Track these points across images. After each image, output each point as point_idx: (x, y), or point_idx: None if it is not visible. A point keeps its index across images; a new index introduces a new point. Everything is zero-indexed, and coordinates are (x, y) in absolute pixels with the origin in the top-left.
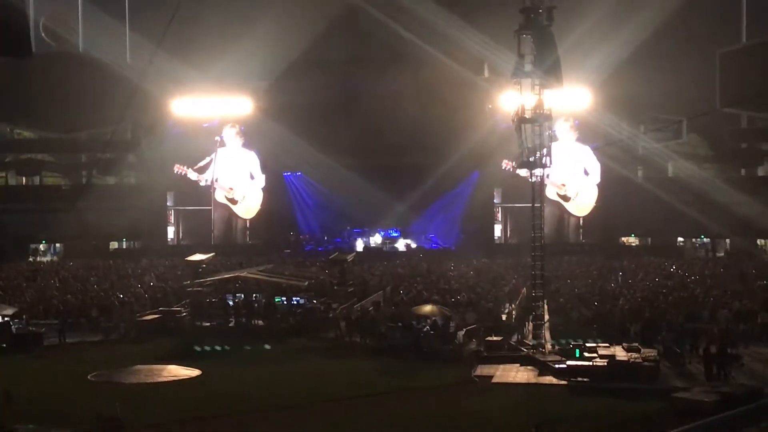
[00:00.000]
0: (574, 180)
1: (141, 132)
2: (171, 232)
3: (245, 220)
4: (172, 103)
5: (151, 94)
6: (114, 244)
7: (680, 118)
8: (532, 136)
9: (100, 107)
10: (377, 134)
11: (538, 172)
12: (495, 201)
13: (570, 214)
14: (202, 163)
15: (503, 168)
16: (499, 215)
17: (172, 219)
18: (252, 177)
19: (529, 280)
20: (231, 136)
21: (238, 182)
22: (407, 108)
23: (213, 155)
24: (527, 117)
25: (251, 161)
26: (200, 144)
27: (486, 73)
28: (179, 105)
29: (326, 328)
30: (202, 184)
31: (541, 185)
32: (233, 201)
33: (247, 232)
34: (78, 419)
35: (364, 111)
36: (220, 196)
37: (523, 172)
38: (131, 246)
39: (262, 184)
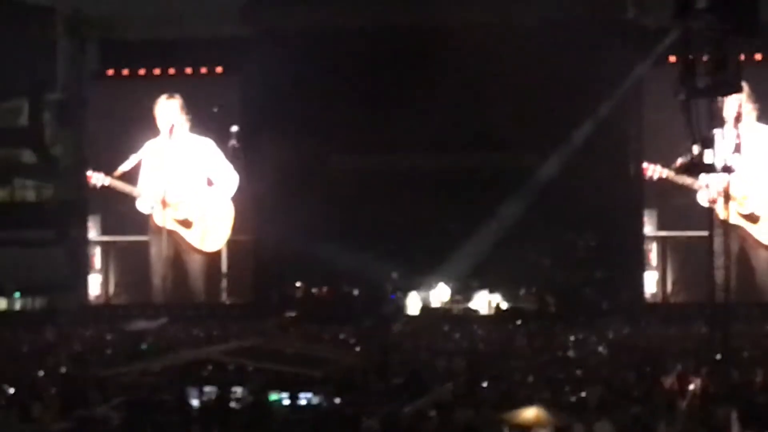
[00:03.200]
0: (760, 187)
1: (46, 112)
2: (96, 282)
3: (206, 256)
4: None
5: (61, 47)
6: (1, 304)
7: None
8: (707, 117)
9: None
10: (437, 116)
11: (717, 180)
12: (645, 231)
13: (761, 246)
14: (125, 166)
15: (649, 176)
16: (653, 255)
17: (97, 261)
18: (210, 183)
19: (706, 365)
20: (170, 115)
21: (190, 192)
22: (493, 78)
23: (144, 151)
24: (701, 86)
25: (208, 155)
26: (138, 127)
27: (631, 12)
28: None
29: None
30: (143, 208)
31: (726, 201)
32: (186, 223)
33: (223, 282)
34: None
35: (418, 75)
36: (162, 218)
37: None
38: (29, 306)
39: (230, 191)
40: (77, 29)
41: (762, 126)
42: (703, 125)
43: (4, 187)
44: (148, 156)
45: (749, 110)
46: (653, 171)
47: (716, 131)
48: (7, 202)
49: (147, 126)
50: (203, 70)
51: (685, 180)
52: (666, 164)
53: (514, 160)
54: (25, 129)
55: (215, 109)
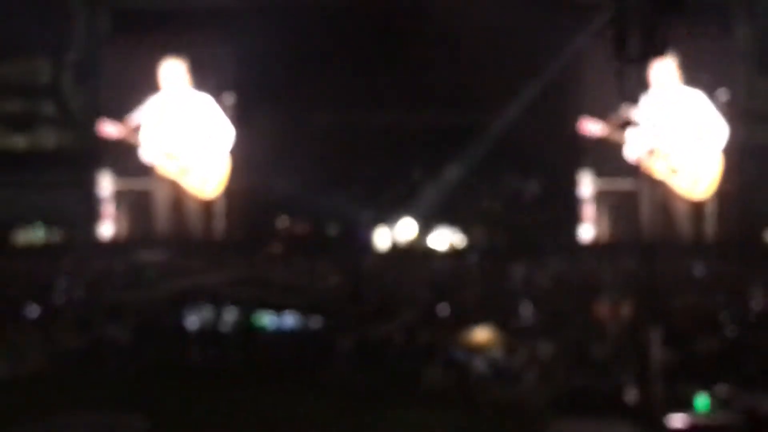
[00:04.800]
0: (681, 145)
1: (64, 71)
2: (107, 221)
3: (203, 202)
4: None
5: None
6: (23, 236)
7: None
8: (637, 81)
9: (2, 32)
10: (402, 80)
11: (644, 136)
12: (583, 181)
13: (681, 197)
14: (134, 119)
15: (584, 132)
16: (589, 201)
17: (108, 203)
18: (207, 136)
19: (633, 295)
20: (174, 74)
21: (191, 144)
22: (446, 37)
23: (149, 106)
24: (632, 54)
25: (207, 111)
26: (147, 85)
27: None
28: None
29: (330, 363)
30: (147, 157)
31: (651, 155)
32: (186, 172)
33: (218, 222)
34: None
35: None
36: (164, 165)
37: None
38: (49, 240)
39: (227, 144)
40: None
41: (686, 89)
42: (633, 88)
43: (27, 136)
44: (153, 110)
45: (674, 75)
46: (591, 126)
47: (644, 94)
48: (30, 149)
49: (153, 84)
50: (202, 37)
51: (617, 136)
52: (602, 120)
53: (470, 118)
54: (46, 85)
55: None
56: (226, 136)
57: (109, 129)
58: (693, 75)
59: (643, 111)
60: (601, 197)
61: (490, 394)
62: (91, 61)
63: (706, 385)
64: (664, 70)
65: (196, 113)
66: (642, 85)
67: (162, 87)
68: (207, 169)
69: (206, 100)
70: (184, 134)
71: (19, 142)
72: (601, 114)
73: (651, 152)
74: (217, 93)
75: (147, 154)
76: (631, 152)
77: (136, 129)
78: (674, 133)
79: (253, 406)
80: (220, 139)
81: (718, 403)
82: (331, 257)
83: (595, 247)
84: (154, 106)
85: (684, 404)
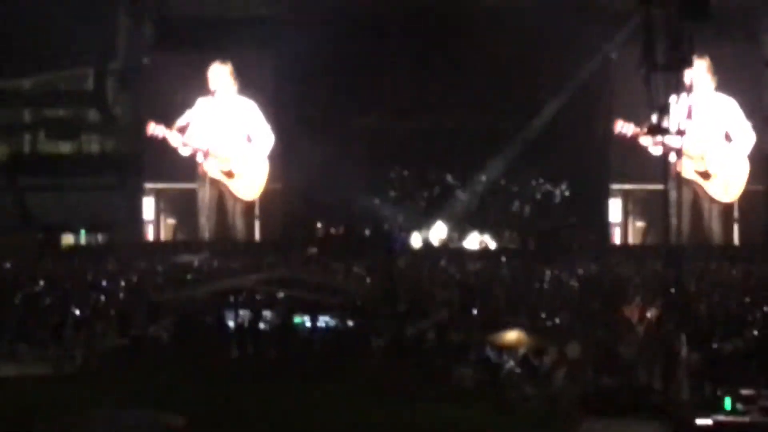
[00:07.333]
0: (714, 149)
1: (108, 78)
2: (149, 223)
3: (244, 203)
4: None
5: (122, 23)
6: (69, 239)
7: None
8: (665, 89)
9: (51, 43)
10: (438, 86)
11: (673, 141)
12: (612, 185)
13: (711, 200)
14: (182, 121)
15: (619, 132)
16: (618, 205)
17: (151, 204)
18: (249, 139)
19: (660, 297)
20: (221, 78)
21: (234, 147)
22: (480, 44)
23: (196, 108)
24: (659, 62)
25: (250, 116)
26: (188, 90)
27: None
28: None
29: (365, 361)
30: (184, 153)
31: (678, 160)
32: (229, 174)
33: (256, 222)
34: None
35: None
36: (211, 168)
37: (650, 143)
38: (93, 241)
39: (267, 149)
40: (135, 9)
41: (718, 95)
42: (661, 94)
43: (73, 141)
44: (199, 112)
45: (708, 81)
46: (624, 128)
47: (672, 100)
48: (75, 153)
49: (199, 87)
50: (242, 46)
51: (648, 139)
52: (636, 124)
53: (502, 123)
54: (91, 92)
55: None
56: (267, 141)
57: (158, 129)
58: (720, 81)
59: (672, 116)
60: (628, 200)
61: (520, 392)
62: (135, 69)
63: (732, 386)
64: (695, 76)
65: (239, 117)
66: (669, 92)
67: (207, 91)
68: (250, 172)
69: (250, 104)
70: (227, 137)
71: (64, 147)
72: (630, 120)
73: (678, 155)
74: (257, 98)
75: (191, 156)
76: (660, 157)
77: (181, 131)
78: (708, 137)
79: (290, 404)
80: (261, 144)
81: (743, 403)
82: (365, 259)
83: (623, 249)
84: (200, 108)
85: (710, 404)
